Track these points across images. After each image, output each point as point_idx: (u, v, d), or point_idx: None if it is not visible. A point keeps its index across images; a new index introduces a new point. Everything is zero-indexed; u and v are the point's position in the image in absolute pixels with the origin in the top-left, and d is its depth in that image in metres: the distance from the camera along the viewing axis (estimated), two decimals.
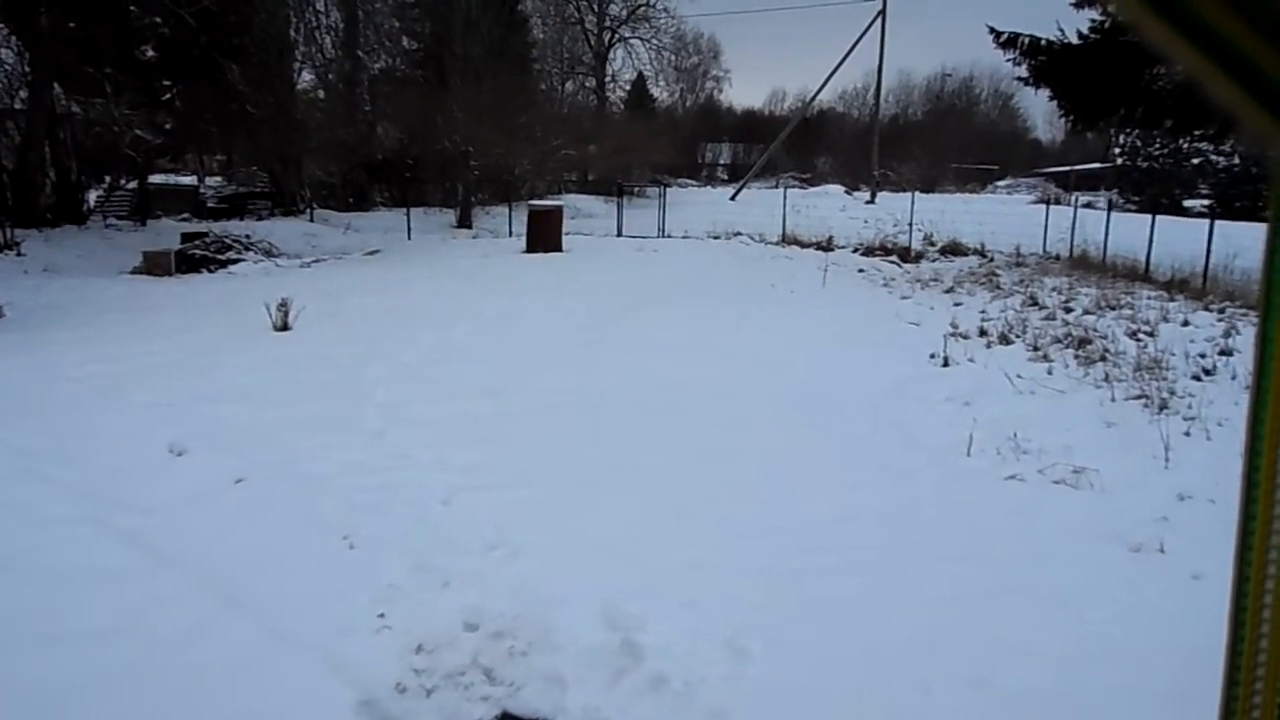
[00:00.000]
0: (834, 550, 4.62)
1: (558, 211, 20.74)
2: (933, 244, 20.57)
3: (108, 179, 23.52)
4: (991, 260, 18.78)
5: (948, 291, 14.41)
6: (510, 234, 23.22)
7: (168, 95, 22.87)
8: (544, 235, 19.74)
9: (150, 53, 22.48)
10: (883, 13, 40.88)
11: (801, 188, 45.76)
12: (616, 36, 51.67)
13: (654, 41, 52.63)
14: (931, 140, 59.46)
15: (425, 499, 5.21)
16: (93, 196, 22.85)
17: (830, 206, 29.78)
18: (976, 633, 3.80)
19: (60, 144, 21.17)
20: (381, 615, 3.90)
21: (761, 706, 3.29)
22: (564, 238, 20.22)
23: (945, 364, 9.02)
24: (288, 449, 6.04)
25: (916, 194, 23.68)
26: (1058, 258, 18.71)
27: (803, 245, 20.78)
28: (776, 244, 21.11)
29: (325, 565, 4.38)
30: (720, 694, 3.35)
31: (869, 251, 19.84)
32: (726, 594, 4.12)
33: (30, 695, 3.26)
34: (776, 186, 35.21)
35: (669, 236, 22.70)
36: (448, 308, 12.08)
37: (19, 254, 17.18)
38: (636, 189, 33.98)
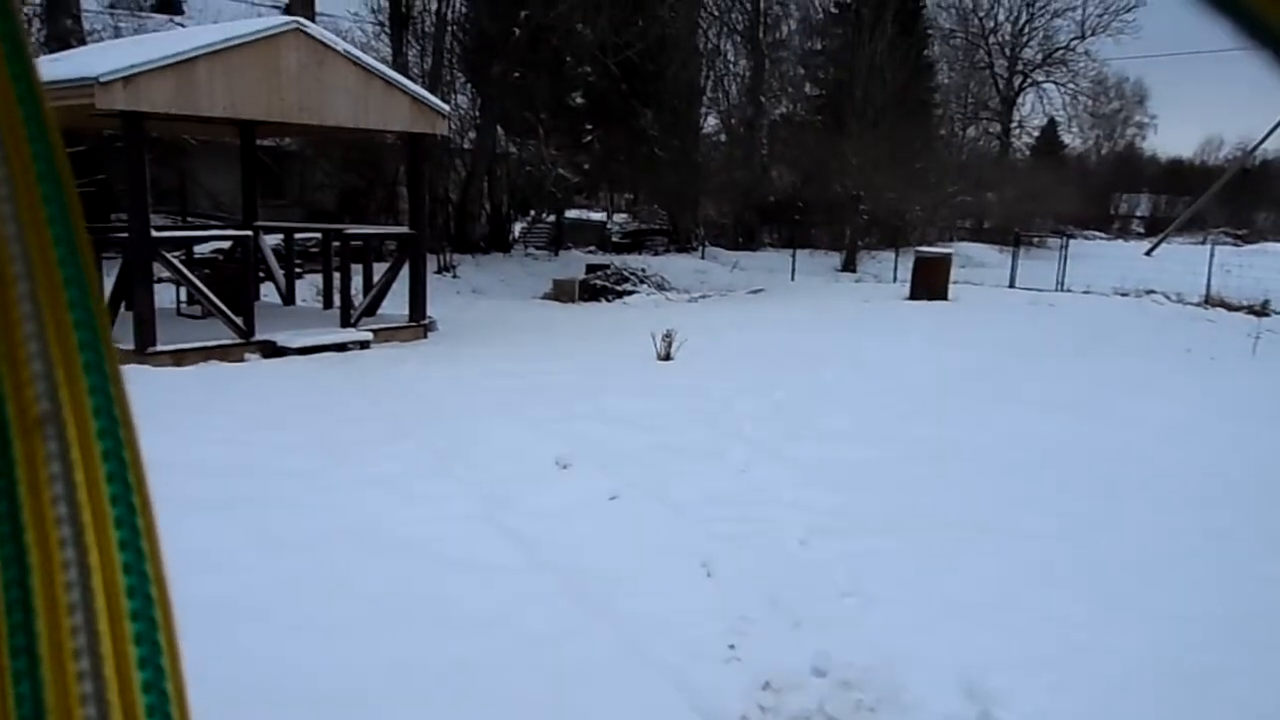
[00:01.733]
0: (1243, 650, 4.01)
1: (946, 259, 20.14)
2: None
3: (531, 213, 26.23)
4: None
5: None
6: (895, 279, 22.84)
7: (588, 138, 25.13)
8: (929, 283, 19.25)
9: (578, 100, 24.85)
10: None
11: (1235, 245, 40.60)
12: (1028, 80, 49.30)
13: (1070, 86, 49.66)
14: None
15: (783, 537, 5.20)
16: (517, 228, 25.56)
17: (1269, 267, 26.09)
18: None
19: (496, 180, 23.97)
20: (732, 646, 3.93)
21: None
22: (950, 286, 19.57)
23: None
24: (658, 473, 6.30)
25: None
26: None
27: (1230, 308, 18.54)
28: (1196, 305, 19.01)
29: (683, 589, 4.50)
30: None
31: None
32: (1105, 681, 3.71)
33: (426, 673, 3.65)
34: (1203, 243, 31.54)
35: (1068, 290, 21.19)
36: (823, 349, 12.08)
37: (454, 276, 19.63)
38: (1036, 239, 32.03)
